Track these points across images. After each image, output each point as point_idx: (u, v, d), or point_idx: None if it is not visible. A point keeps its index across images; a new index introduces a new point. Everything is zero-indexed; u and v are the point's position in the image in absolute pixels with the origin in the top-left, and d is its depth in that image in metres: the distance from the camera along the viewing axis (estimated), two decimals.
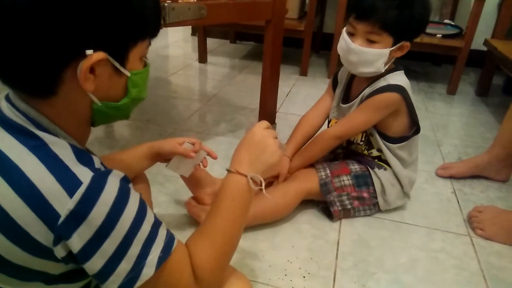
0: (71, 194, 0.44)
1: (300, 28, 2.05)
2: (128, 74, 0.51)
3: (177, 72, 2.18)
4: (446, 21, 2.16)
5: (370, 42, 0.90)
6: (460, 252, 0.95)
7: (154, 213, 0.53)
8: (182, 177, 0.92)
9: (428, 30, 2.00)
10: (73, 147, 0.49)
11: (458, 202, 1.14)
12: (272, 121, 1.32)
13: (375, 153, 1.03)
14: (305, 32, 2.03)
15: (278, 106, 1.73)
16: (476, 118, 1.79)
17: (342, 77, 1.08)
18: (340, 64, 1.04)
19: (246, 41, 2.82)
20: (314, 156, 1.04)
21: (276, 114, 1.61)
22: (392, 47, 0.91)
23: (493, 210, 1.03)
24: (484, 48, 1.96)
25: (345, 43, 0.93)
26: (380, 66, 0.92)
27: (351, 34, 0.93)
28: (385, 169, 1.01)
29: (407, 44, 0.93)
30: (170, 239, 0.52)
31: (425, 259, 0.92)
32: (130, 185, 0.51)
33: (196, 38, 2.30)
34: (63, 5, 0.42)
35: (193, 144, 0.83)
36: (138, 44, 0.50)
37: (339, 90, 1.08)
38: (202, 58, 2.32)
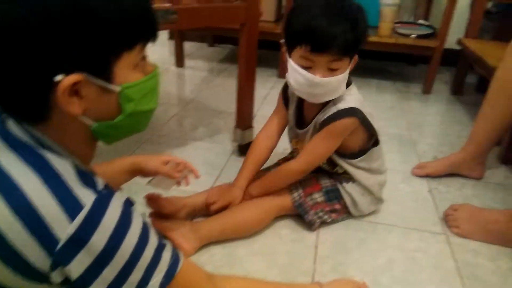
0: (72, 218, 0.42)
1: (276, 31, 2.05)
2: (117, 89, 0.47)
3: None
4: (420, 21, 2.20)
5: (332, 70, 0.85)
6: (437, 251, 0.95)
7: (158, 235, 0.52)
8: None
9: (402, 31, 2.03)
10: (76, 167, 0.47)
11: (434, 200, 1.15)
12: (249, 125, 1.31)
13: (340, 170, 1.02)
14: (281, 35, 2.03)
15: (256, 109, 1.73)
16: (451, 117, 1.82)
17: (293, 95, 1.02)
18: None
19: (224, 44, 2.81)
20: (277, 188, 0.99)
21: (254, 118, 1.61)
22: (349, 65, 0.88)
23: (468, 208, 1.05)
24: (458, 47, 1.99)
25: (303, 78, 0.85)
26: (343, 88, 0.90)
27: (307, 68, 0.85)
28: (354, 181, 1.01)
29: (356, 56, 0.90)
30: (174, 261, 0.51)
31: (402, 259, 0.92)
32: (133, 208, 0.49)
33: (173, 42, 2.27)
34: (24, 32, 0.40)
35: (178, 163, 0.82)
36: (124, 55, 0.46)
37: (291, 110, 1.03)
38: (179, 62, 2.29)
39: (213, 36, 2.78)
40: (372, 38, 1.99)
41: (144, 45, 0.50)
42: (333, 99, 0.91)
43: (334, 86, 0.87)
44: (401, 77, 2.36)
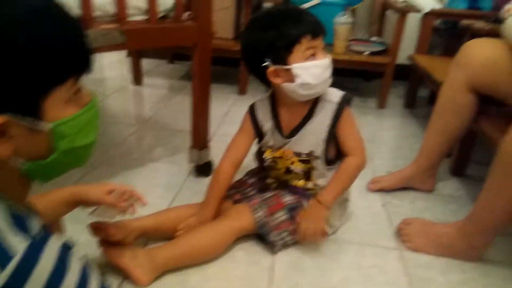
0: (2, 267, 0.39)
1: (235, 48, 2.06)
2: (48, 127, 0.44)
3: (111, 95, 2.09)
4: (374, 38, 2.28)
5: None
6: (390, 266, 0.97)
7: (100, 279, 0.49)
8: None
9: (356, 48, 2.10)
10: (10, 210, 0.43)
11: (388, 215, 1.18)
12: (205, 145, 1.29)
13: (310, 186, 1.03)
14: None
15: (215, 127, 1.72)
16: (404, 130, 1.88)
17: (264, 111, 1.02)
18: None
19: (184, 61, 2.79)
20: (347, 188, 1.05)
21: (213, 137, 1.59)
22: None
23: (419, 222, 1.07)
24: (410, 62, 2.08)
25: (319, 67, 0.88)
26: None
27: (311, 57, 0.88)
28: None
29: None
30: None
31: (357, 277, 0.93)
32: (71, 252, 0.46)
33: (131, 59, 2.23)
34: None
35: (123, 192, 0.79)
36: (55, 90, 0.43)
37: (268, 124, 1.02)
38: (137, 80, 2.25)
39: (172, 53, 2.75)
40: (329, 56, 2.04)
41: (77, 78, 0.47)
42: (319, 98, 0.96)
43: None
44: (358, 92, 2.42)
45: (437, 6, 1.91)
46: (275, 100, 1.02)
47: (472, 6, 1.91)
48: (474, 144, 1.39)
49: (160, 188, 1.23)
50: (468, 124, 1.21)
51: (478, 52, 1.12)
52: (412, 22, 2.15)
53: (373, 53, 2.05)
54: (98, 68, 2.54)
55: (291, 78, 0.89)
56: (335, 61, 2.00)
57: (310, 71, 0.88)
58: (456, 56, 1.18)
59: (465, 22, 1.36)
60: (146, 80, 2.31)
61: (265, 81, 0.94)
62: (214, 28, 2.25)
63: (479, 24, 1.27)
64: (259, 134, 1.04)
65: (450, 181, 1.41)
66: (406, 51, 2.10)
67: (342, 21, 2.01)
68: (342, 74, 2.60)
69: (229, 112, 1.92)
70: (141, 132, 1.66)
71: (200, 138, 1.27)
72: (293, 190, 1.04)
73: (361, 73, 2.63)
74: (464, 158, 1.44)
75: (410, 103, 2.16)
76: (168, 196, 1.19)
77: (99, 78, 2.36)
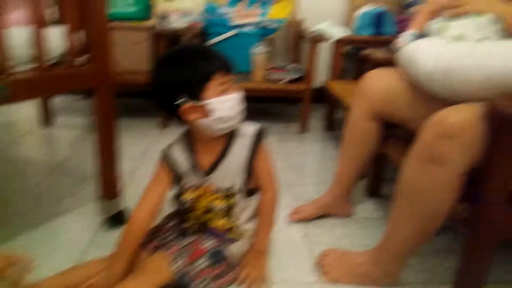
0: None
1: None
2: None
3: (17, 141, 1.92)
4: (291, 65, 2.35)
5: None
6: None
7: None
8: None
9: (275, 76, 2.14)
10: None
11: (309, 245, 1.18)
12: (114, 194, 1.21)
13: (229, 224, 1.00)
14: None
15: (133, 168, 1.63)
16: (325, 154, 1.94)
17: (180, 151, 1.00)
18: None
19: None
20: (273, 224, 1.06)
21: (131, 179, 1.51)
22: None
23: (337, 253, 1.08)
24: None
25: (234, 100, 0.91)
26: None
27: (224, 92, 0.90)
28: (238, 240, 1.00)
29: None
30: None
31: None
32: None
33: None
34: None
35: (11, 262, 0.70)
36: None
37: (186, 163, 0.99)
38: (47, 121, 2.09)
39: None
40: (248, 85, 2.06)
41: None
42: (234, 132, 0.98)
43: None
44: (282, 117, 2.47)
45: (345, 33, 2.02)
46: (191, 137, 1.00)
47: (376, 32, 2.05)
48: (386, 164, 1.46)
49: (67, 244, 1.13)
50: (375, 148, 1.26)
51: (376, 82, 1.19)
52: (327, 48, 2.26)
53: (290, 81, 2.11)
54: (3, 110, 2.33)
55: (207, 113, 0.90)
56: (255, 90, 2.08)
57: (225, 105, 0.90)
58: (358, 87, 1.24)
59: (365, 51, 1.44)
60: (59, 119, 2.16)
61: (179, 118, 0.93)
62: (128, 62, 2.18)
63: (378, 54, 1.35)
64: (177, 177, 1.01)
65: (367, 203, 1.46)
66: (323, 74, 2.19)
67: (259, 51, 2.06)
68: (266, 100, 2.66)
69: (149, 150, 1.85)
70: (49, 181, 1.53)
71: (109, 187, 1.19)
72: (214, 233, 1.01)
73: (284, 97, 2.70)
74: (378, 178, 1.50)
75: (329, 126, 2.24)
76: (76, 254, 1.09)
77: (4, 122, 2.16)
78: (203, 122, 0.91)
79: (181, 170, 1.00)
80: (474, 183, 0.83)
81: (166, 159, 1.00)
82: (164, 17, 1.96)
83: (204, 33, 2.22)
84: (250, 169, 0.99)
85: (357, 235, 1.25)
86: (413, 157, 0.87)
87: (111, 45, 1.09)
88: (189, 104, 0.89)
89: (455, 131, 0.78)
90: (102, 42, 1.07)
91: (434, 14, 1.10)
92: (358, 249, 1.10)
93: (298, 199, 1.45)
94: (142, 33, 2.12)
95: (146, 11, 2.16)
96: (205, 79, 0.88)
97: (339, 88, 1.93)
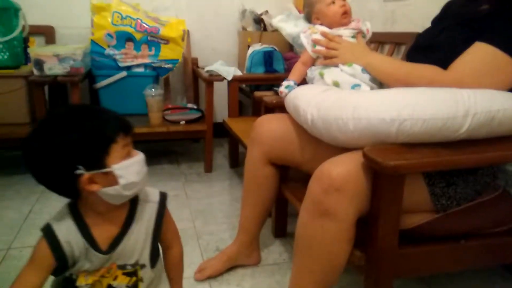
0: None
1: None
2: None
3: None
4: (190, 105, 2.30)
5: None
6: None
7: None
8: None
9: (172, 117, 2.07)
10: None
11: None
12: None
13: None
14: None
15: (11, 237, 1.40)
16: (231, 194, 1.90)
17: (68, 230, 0.82)
18: None
19: None
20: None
21: (8, 252, 1.29)
22: None
23: None
24: None
25: (138, 163, 0.80)
26: None
27: (128, 155, 0.79)
28: None
29: None
30: None
31: None
32: None
33: None
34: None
35: None
36: None
37: (78, 244, 0.82)
38: None
39: None
40: (144, 129, 1.95)
41: None
42: (137, 199, 0.87)
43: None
44: (187, 156, 2.39)
45: (237, 73, 2.04)
46: (80, 209, 0.83)
47: (268, 70, 2.11)
48: (287, 201, 1.46)
49: None
50: (275, 193, 1.26)
51: (266, 128, 1.19)
52: (225, 85, 2.24)
53: (189, 121, 2.05)
54: None
55: (111, 181, 0.77)
56: (153, 134, 1.98)
57: (131, 169, 0.78)
58: (250, 134, 1.23)
59: (258, 94, 1.45)
60: None
61: (72, 193, 0.78)
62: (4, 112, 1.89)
63: (270, 97, 1.37)
64: (64, 262, 0.82)
65: (274, 245, 1.44)
66: (225, 109, 2.18)
67: (152, 94, 1.97)
68: (170, 139, 2.56)
69: (31, 213, 1.61)
70: None
71: None
72: None
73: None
74: (282, 217, 1.49)
75: (234, 163, 2.22)
76: None
77: None
78: (106, 191, 0.77)
79: (72, 253, 0.82)
80: (366, 228, 0.84)
81: (49, 239, 0.81)
82: (39, 63, 1.77)
83: (90, 76, 2.07)
84: (157, 238, 0.88)
85: (266, 285, 1.21)
86: (304, 212, 0.86)
87: None
88: (89, 174, 0.75)
89: (339, 184, 0.79)
90: None
91: (308, 64, 1.15)
92: None
93: (204, 252, 1.38)
94: (17, 81, 1.89)
95: (19, 58, 1.94)
96: (106, 143, 0.76)
97: (237, 126, 1.92)
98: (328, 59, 1.10)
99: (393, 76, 0.99)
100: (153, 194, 0.90)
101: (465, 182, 0.89)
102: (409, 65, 1.01)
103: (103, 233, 0.84)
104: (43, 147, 0.75)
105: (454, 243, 0.91)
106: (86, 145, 0.74)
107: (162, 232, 0.90)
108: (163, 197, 0.90)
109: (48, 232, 0.81)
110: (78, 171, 0.74)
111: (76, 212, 0.83)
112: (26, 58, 1.99)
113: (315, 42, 1.12)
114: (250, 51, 2.11)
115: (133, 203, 0.86)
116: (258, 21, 2.38)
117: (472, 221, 0.91)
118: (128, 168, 0.79)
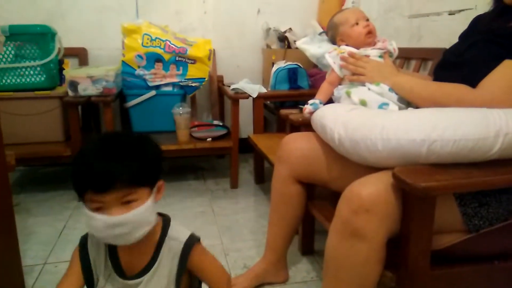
0: None
1: (66, 153, 1.89)
2: None
3: None
4: (215, 121, 2.34)
5: (128, 203, 0.76)
6: None
7: None
8: None
9: (199, 135, 2.11)
10: None
11: None
12: None
13: None
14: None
15: (46, 253, 1.45)
16: (257, 211, 1.91)
17: (98, 248, 0.87)
18: None
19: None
20: None
21: (44, 267, 1.34)
22: (151, 194, 0.80)
23: None
24: None
25: (99, 221, 0.75)
26: (152, 219, 0.81)
27: (98, 209, 0.76)
28: None
29: (161, 182, 0.83)
30: None
31: None
32: None
33: None
34: None
35: None
36: None
37: (103, 266, 0.86)
38: None
39: None
40: (172, 147, 2.00)
41: None
42: (163, 235, 0.85)
43: (138, 220, 0.77)
44: (212, 172, 2.42)
45: (262, 90, 2.07)
46: None
47: (292, 87, 2.13)
48: (314, 218, 1.46)
49: None
50: (302, 211, 1.26)
51: (293, 147, 1.20)
52: (250, 101, 2.28)
53: (215, 138, 2.09)
54: None
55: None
56: (180, 151, 2.03)
57: (92, 223, 0.77)
58: (277, 152, 1.24)
59: (283, 112, 1.48)
60: None
61: None
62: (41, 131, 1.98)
63: (296, 115, 1.39)
64: (88, 278, 0.85)
65: (301, 263, 1.43)
66: (250, 125, 2.21)
67: (180, 112, 2.02)
68: (195, 156, 2.61)
69: (65, 228, 1.67)
70: None
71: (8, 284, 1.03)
72: None
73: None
74: (309, 234, 1.49)
75: (260, 179, 2.24)
76: None
77: None
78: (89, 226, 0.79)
79: (95, 269, 0.86)
80: (398, 249, 0.84)
81: (81, 250, 0.86)
82: (74, 84, 1.86)
83: (121, 96, 2.15)
84: (180, 277, 0.86)
85: None
86: (333, 233, 0.87)
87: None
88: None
89: (369, 204, 0.79)
90: None
91: (335, 84, 1.17)
92: None
93: (232, 269, 1.39)
94: (52, 101, 1.99)
95: (55, 79, 2.04)
96: (78, 188, 0.76)
97: (262, 143, 1.95)
98: (356, 75, 1.11)
99: (420, 96, 0.99)
100: (183, 234, 0.88)
101: (498, 202, 0.88)
102: (436, 84, 1.01)
103: (130, 262, 0.85)
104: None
105: (487, 264, 0.89)
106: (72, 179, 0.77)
107: (197, 271, 0.89)
108: (192, 238, 0.87)
109: (82, 241, 0.88)
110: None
111: None
112: (61, 79, 2.09)
113: (343, 60, 1.14)
114: (274, 68, 2.14)
115: (162, 238, 0.86)
116: (282, 38, 2.41)
117: (506, 241, 0.90)
118: (89, 221, 0.77)
